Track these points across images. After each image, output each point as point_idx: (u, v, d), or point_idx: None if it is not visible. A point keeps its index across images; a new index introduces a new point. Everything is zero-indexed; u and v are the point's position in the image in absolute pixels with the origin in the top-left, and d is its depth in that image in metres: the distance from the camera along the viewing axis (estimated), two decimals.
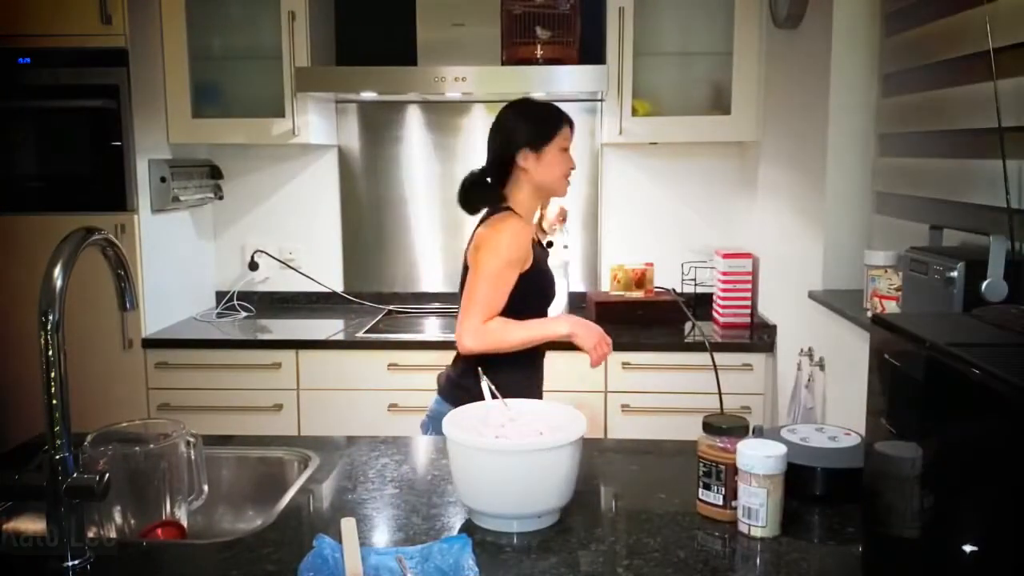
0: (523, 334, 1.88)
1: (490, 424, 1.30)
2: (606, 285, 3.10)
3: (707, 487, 1.23)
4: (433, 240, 3.24)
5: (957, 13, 1.68)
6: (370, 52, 3.05)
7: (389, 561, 1.08)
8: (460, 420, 1.29)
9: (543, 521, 1.23)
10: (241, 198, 3.23)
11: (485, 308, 1.87)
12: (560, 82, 2.68)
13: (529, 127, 1.94)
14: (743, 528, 1.18)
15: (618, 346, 2.63)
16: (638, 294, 2.95)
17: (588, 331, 1.89)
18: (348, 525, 1.14)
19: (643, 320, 2.86)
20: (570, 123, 1.98)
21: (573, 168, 2.00)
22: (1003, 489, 0.76)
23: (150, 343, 2.74)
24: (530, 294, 1.93)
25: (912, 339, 0.93)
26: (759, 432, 1.32)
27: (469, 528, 1.23)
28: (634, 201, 3.17)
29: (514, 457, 1.19)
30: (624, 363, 2.66)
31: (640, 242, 3.17)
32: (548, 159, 1.94)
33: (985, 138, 1.55)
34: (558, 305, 2.59)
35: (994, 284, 1.38)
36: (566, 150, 1.97)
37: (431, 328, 3.00)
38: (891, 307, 1.81)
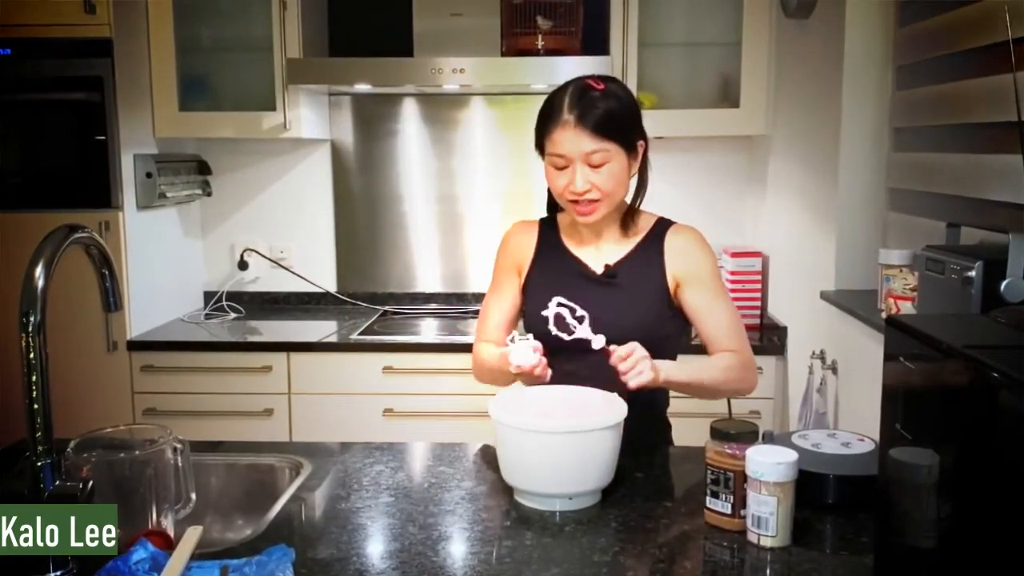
0: (488, 363, 1.61)
1: (534, 407, 1.35)
2: None
3: (715, 495, 1.21)
4: (430, 238, 3.20)
5: (975, 2, 1.68)
6: (364, 43, 3.02)
7: (211, 572, 1.08)
8: (506, 403, 1.35)
9: (586, 500, 1.30)
10: (230, 195, 3.20)
11: (479, 325, 1.70)
12: (562, 74, 2.61)
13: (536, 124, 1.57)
14: (752, 537, 1.16)
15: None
16: None
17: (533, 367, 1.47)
18: (191, 533, 1.12)
19: None
20: (565, 121, 1.48)
21: (573, 191, 1.50)
22: (1023, 497, 0.75)
23: (135, 345, 2.70)
24: (528, 312, 1.63)
25: (928, 341, 0.92)
26: (769, 438, 1.30)
27: (518, 508, 1.29)
28: None
29: (563, 437, 1.27)
30: None
31: None
32: (545, 169, 1.56)
33: (1004, 132, 1.54)
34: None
35: (1014, 284, 1.38)
36: (562, 168, 1.51)
37: (428, 330, 2.98)
38: (906, 308, 1.81)
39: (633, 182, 1.59)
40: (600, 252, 1.61)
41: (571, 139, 1.47)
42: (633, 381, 1.38)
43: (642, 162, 1.58)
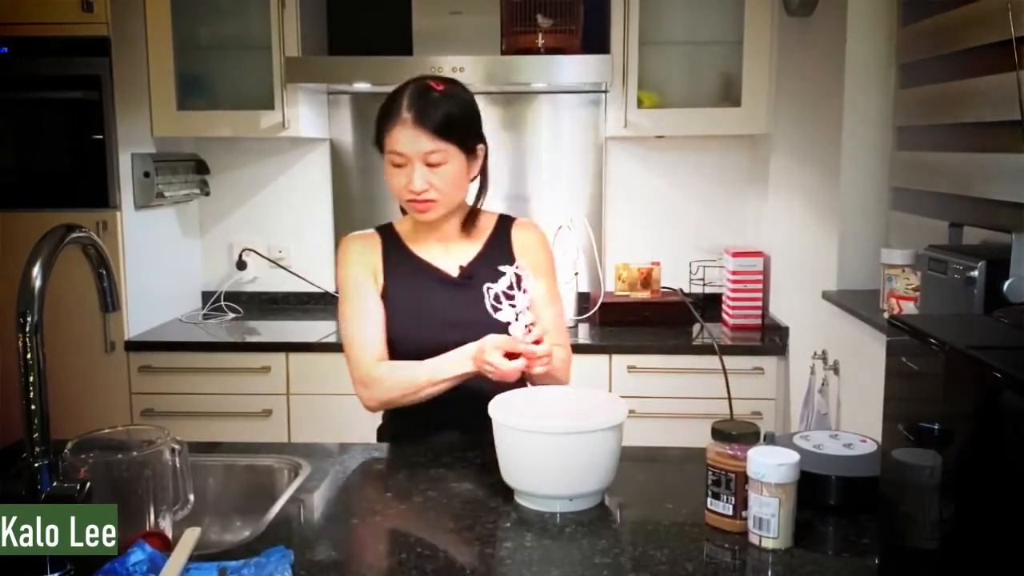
0: (424, 376, 1.51)
1: (534, 408, 1.35)
2: (611, 285, 3.06)
3: (716, 496, 1.20)
4: None
5: (977, 0, 1.67)
6: (363, 41, 3.01)
7: (210, 574, 1.07)
8: (506, 404, 1.34)
9: (587, 501, 1.28)
10: (228, 194, 3.19)
11: (355, 353, 1.56)
12: (562, 73, 2.65)
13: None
14: (754, 539, 1.15)
15: (623, 348, 2.66)
16: (644, 294, 2.93)
17: (498, 363, 1.45)
18: (189, 535, 1.12)
19: (649, 321, 2.86)
20: (403, 119, 1.48)
21: (411, 190, 1.50)
22: None
23: (133, 346, 2.70)
24: (391, 324, 1.57)
25: (931, 342, 0.91)
26: (771, 439, 1.29)
27: (517, 510, 1.28)
28: (640, 197, 3.13)
29: (563, 438, 1.25)
30: (629, 366, 2.63)
31: (646, 240, 3.13)
32: (384, 167, 1.56)
33: (1007, 131, 1.54)
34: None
35: (1016, 284, 1.37)
36: (400, 166, 1.51)
37: None
38: (909, 308, 1.81)
39: (475, 185, 1.62)
40: (449, 254, 1.62)
41: (409, 138, 1.48)
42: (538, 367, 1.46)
43: (483, 166, 1.60)
